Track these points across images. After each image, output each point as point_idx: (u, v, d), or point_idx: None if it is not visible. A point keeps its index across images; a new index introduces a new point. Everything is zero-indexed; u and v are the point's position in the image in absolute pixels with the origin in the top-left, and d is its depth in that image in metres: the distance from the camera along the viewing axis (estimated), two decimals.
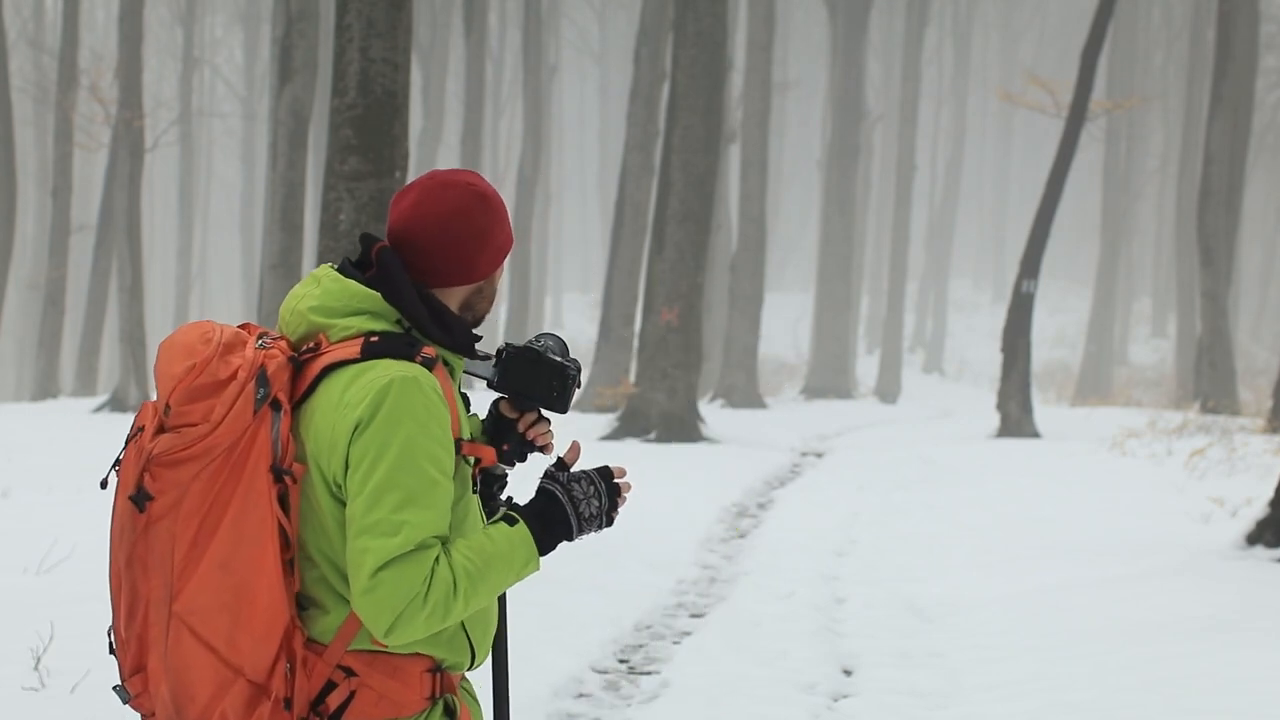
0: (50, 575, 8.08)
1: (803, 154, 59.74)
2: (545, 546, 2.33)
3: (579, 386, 2.61)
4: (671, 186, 17.44)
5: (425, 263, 2.42)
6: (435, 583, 2.24)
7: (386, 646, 2.33)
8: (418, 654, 2.37)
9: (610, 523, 2.35)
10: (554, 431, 2.67)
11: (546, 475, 2.37)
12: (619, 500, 2.36)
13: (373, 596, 2.23)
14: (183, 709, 2.32)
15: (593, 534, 2.36)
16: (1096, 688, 6.12)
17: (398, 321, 2.39)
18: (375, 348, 2.32)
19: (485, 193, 2.45)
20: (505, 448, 2.63)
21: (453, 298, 2.46)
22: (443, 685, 2.40)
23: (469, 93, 28.82)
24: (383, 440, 2.25)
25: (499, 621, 2.62)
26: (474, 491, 2.53)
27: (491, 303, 2.50)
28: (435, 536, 2.27)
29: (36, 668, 5.70)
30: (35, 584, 7.85)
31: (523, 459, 2.67)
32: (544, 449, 2.66)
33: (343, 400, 2.30)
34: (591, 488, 2.30)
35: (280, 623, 2.29)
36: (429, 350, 2.35)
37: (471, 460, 2.42)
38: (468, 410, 2.54)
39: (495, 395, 2.64)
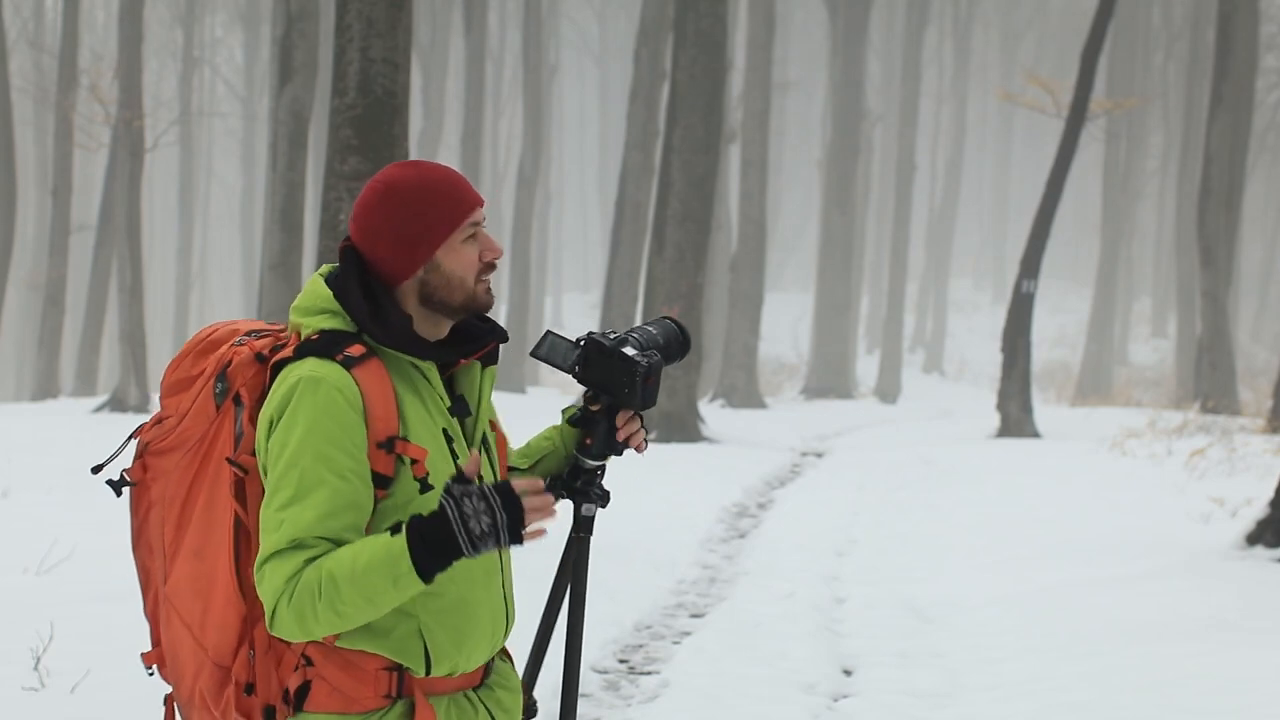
0: (50, 575, 8.09)
1: (803, 154, 59.74)
2: (429, 562, 2.19)
3: (654, 382, 2.53)
4: (671, 186, 17.44)
5: (368, 263, 2.43)
6: (301, 584, 2.22)
7: (337, 641, 2.35)
8: (369, 651, 2.35)
9: (515, 539, 2.18)
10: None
11: (444, 488, 2.27)
12: (525, 518, 2.20)
13: (259, 589, 2.27)
14: (176, 685, 2.48)
15: (492, 550, 2.20)
16: (1096, 688, 6.12)
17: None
18: (305, 346, 2.35)
19: (392, 184, 2.41)
20: (589, 442, 2.58)
21: (409, 293, 2.42)
22: (403, 686, 2.37)
23: (469, 93, 28.83)
24: (282, 440, 2.29)
25: (574, 633, 2.59)
26: (568, 489, 2.59)
27: (459, 291, 2.40)
28: (318, 538, 2.25)
29: (36, 668, 5.70)
30: (35, 584, 7.86)
31: (618, 453, 2.61)
32: (636, 448, 2.63)
33: (270, 398, 2.35)
34: (483, 504, 2.15)
35: (235, 610, 2.36)
36: (354, 349, 2.34)
37: (408, 459, 2.34)
38: (455, 406, 2.47)
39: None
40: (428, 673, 2.39)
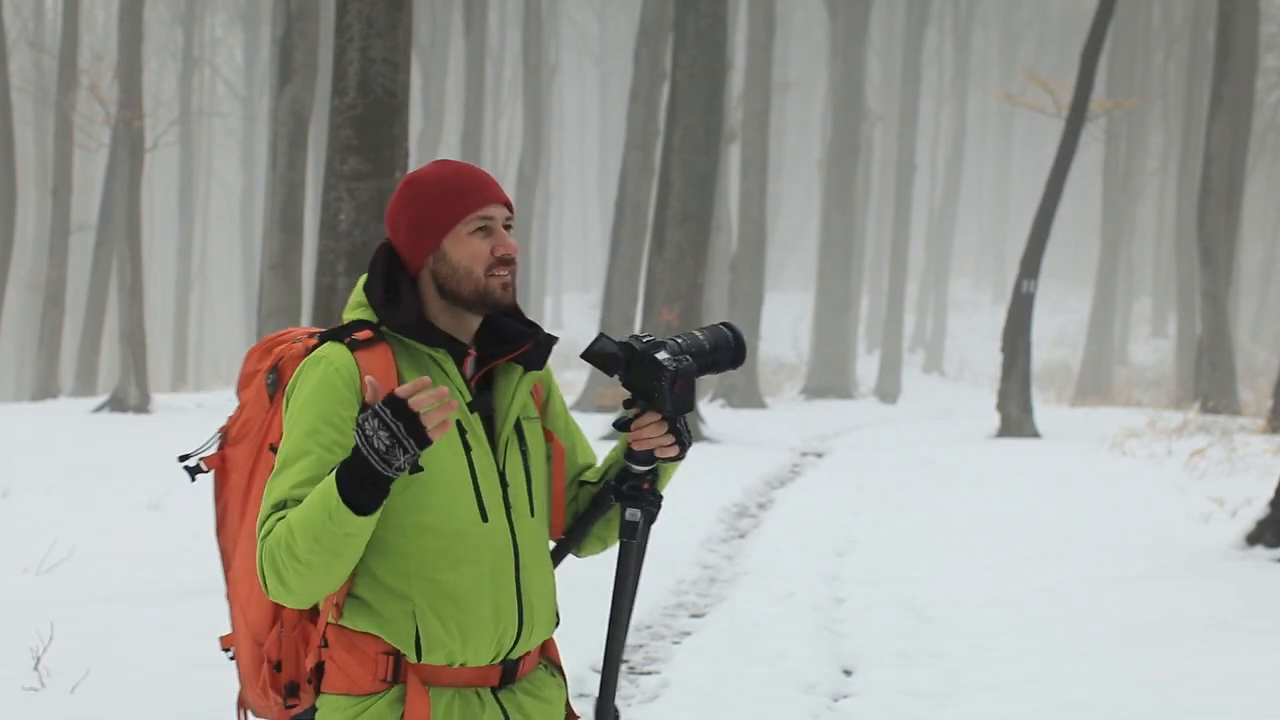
0: (50, 575, 8.09)
1: (803, 154, 59.74)
2: (352, 491, 2.24)
3: (684, 387, 2.51)
4: (671, 186, 17.43)
5: (400, 256, 2.55)
6: (271, 539, 2.33)
7: (340, 619, 2.44)
8: (371, 633, 2.42)
9: (420, 442, 2.21)
10: (672, 439, 2.56)
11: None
12: (420, 418, 2.21)
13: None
14: (236, 661, 2.64)
15: (407, 460, 2.22)
16: (1096, 688, 6.12)
17: None
18: (326, 333, 2.50)
19: (414, 178, 2.54)
20: (635, 446, 2.58)
21: (427, 283, 2.51)
22: (399, 671, 2.42)
23: (469, 93, 28.83)
24: (287, 414, 2.45)
25: (613, 637, 2.60)
26: (634, 491, 2.58)
27: (466, 282, 2.47)
28: (296, 501, 2.35)
29: (36, 668, 5.70)
30: (35, 584, 7.86)
31: (668, 459, 2.59)
32: (656, 454, 2.57)
33: None
34: (377, 420, 2.20)
35: None
36: (362, 333, 2.46)
37: None
38: (475, 401, 2.50)
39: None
40: (419, 658, 2.42)
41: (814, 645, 7.04)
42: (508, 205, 2.52)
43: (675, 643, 7.22)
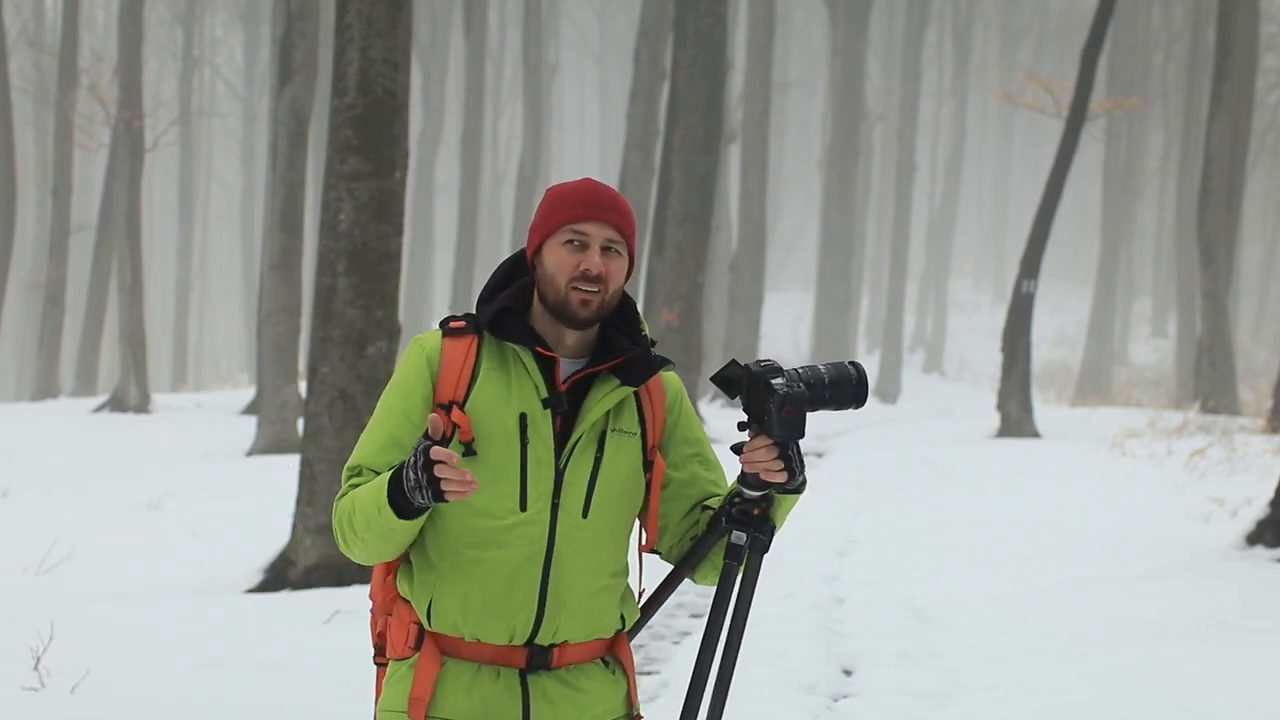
0: (50, 575, 8.09)
1: (803, 154, 59.70)
2: (399, 500, 2.44)
3: (793, 413, 2.52)
4: (671, 186, 17.44)
5: None
6: (343, 503, 2.57)
7: (394, 577, 2.65)
8: (405, 598, 2.60)
9: (437, 497, 2.38)
10: (782, 464, 2.56)
11: None
12: (435, 476, 2.36)
13: None
14: None
15: (422, 503, 2.41)
16: (1096, 688, 6.12)
17: None
18: (443, 320, 2.70)
19: (549, 187, 2.72)
20: (744, 468, 2.59)
21: (536, 284, 2.64)
22: (421, 640, 2.57)
23: (469, 93, 28.84)
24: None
25: (702, 661, 2.60)
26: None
27: (551, 288, 2.58)
28: (367, 468, 2.59)
29: (36, 668, 5.69)
30: (35, 584, 7.86)
31: (778, 489, 2.59)
32: (763, 478, 2.57)
33: None
34: (413, 459, 2.40)
35: None
36: (457, 323, 2.65)
37: (455, 424, 2.56)
38: (550, 399, 2.56)
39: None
40: (430, 624, 2.56)
41: (814, 645, 7.04)
42: (618, 229, 2.58)
43: (675, 643, 7.21)
